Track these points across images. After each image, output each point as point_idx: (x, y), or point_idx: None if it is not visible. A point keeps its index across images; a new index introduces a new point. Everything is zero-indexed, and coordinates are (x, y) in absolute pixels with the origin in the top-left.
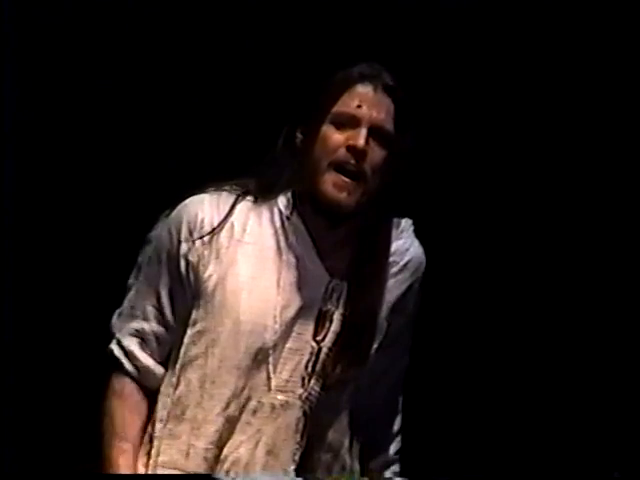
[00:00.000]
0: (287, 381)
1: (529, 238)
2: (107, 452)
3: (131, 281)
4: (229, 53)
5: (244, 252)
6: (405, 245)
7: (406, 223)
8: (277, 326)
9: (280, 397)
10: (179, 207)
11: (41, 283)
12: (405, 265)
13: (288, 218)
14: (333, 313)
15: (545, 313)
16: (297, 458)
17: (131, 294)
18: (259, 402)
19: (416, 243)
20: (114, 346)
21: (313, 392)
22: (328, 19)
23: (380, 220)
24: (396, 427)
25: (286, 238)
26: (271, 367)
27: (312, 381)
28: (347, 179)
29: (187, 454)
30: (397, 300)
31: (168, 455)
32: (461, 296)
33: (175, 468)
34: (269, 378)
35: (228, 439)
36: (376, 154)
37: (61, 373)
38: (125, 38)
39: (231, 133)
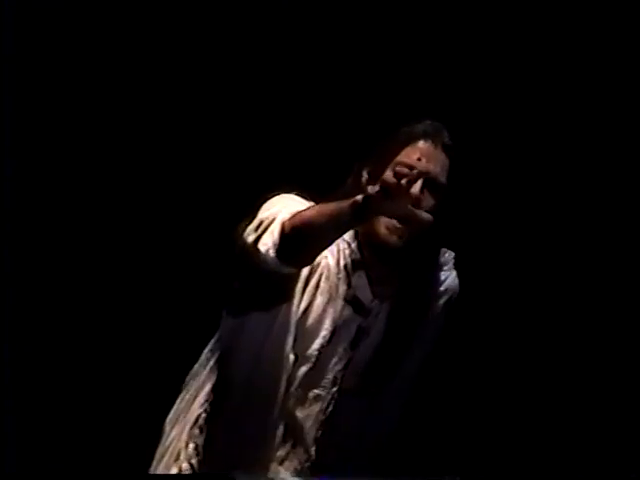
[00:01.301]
0: (323, 378)
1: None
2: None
3: None
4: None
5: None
6: (444, 276)
7: (449, 256)
8: (324, 332)
9: (315, 390)
10: None
11: (41, 283)
12: (441, 295)
13: (349, 244)
14: (370, 328)
15: (547, 315)
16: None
17: None
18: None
19: (454, 274)
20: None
21: (341, 391)
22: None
23: (425, 254)
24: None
25: (345, 262)
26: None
27: (342, 381)
28: (399, 225)
29: None
30: (427, 324)
31: None
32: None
33: None
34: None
35: None
36: (427, 202)
37: (61, 373)
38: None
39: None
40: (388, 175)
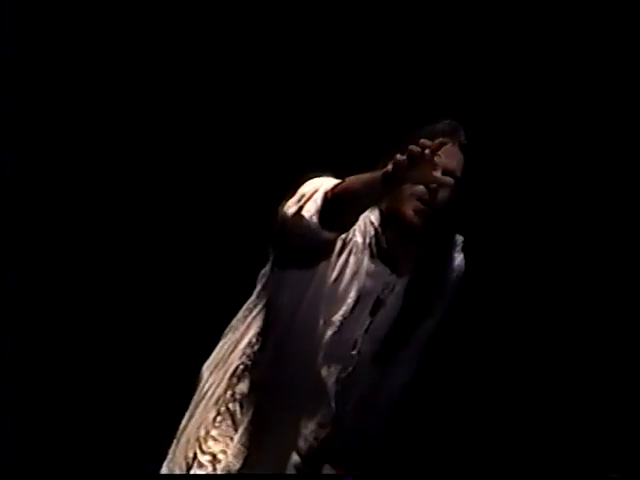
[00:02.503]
0: (346, 342)
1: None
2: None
3: None
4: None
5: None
6: (455, 256)
7: (459, 240)
8: (349, 300)
9: (339, 352)
10: None
11: (41, 281)
12: (451, 273)
13: (374, 225)
14: (386, 299)
15: (545, 315)
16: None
17: None
18: None
19: (462, 256)
20: None
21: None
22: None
23: (442, 237)
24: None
25: (370, 240)
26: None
27: (361, 345)
28: (422, 206)
29: None
30: (437, 298)
31: None
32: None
33: None
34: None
35: None
36: (443, 193)
37: (61, 373)
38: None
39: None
40: (413, 146)
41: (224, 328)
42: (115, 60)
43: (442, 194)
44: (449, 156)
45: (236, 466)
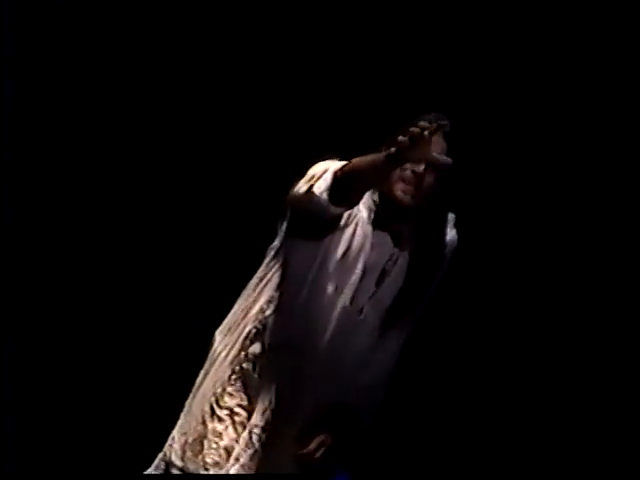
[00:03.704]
0: (355, 308)
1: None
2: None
3: None
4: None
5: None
6: (448, 232)
7: (451, 217)
8: (357, 270)
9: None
10: None
11: (41, 281)
12: (445, 247)
13: (375, 204)
14: (391, 270)
15: (545, 316)
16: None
17: None
18: None
19: (453, 232)
20: None
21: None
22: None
23: (435, 215)
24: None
25: (373, 217)
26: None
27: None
28: (410, 187)
29: None
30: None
31: None
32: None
33: None
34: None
35: None
36: (429, 177)
37: (61, 373)
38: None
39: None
40: (414, 128)
41: (224, 315)
42: (115, 60)
43: (428, 178)
44: (434, 144)
45: (250, 421)
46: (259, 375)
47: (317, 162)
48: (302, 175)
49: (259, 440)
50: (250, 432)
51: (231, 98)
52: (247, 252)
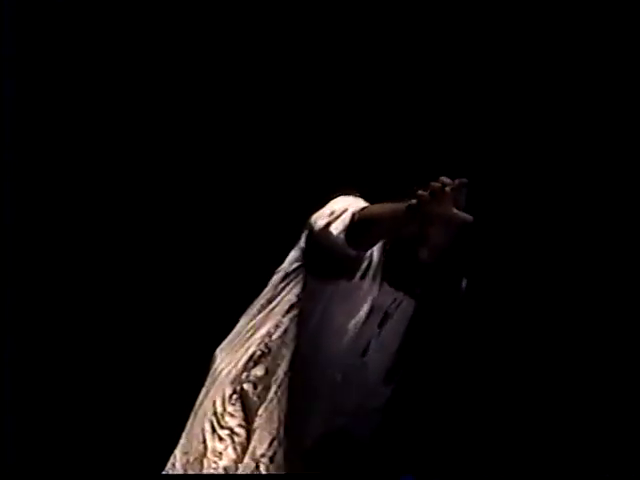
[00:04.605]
0: (357, 348)
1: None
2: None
3: None
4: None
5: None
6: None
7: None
8: (362, 312)
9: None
10: None
11: (41, 284)
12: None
13: (386, 247)
14: (393, 314)
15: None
16: None
17: None
18: None
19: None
20: None
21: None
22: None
23: (449, 281)
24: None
25: (383, 260)
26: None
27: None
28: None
29: None
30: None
31: None
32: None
33: None
34: None
35: None
36: (447, 234)
37: (61, 374)
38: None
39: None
40: (434, 183)
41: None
42: (115, 60)
43: (446, 234)
44: (454, 201)
45: (256, 451)
46: (258, 397)
47: (339, 194)
48: (320, 204)
49: (267, 470)
50: (257, 463)
51: (250, 116)
52: (248, 273)
